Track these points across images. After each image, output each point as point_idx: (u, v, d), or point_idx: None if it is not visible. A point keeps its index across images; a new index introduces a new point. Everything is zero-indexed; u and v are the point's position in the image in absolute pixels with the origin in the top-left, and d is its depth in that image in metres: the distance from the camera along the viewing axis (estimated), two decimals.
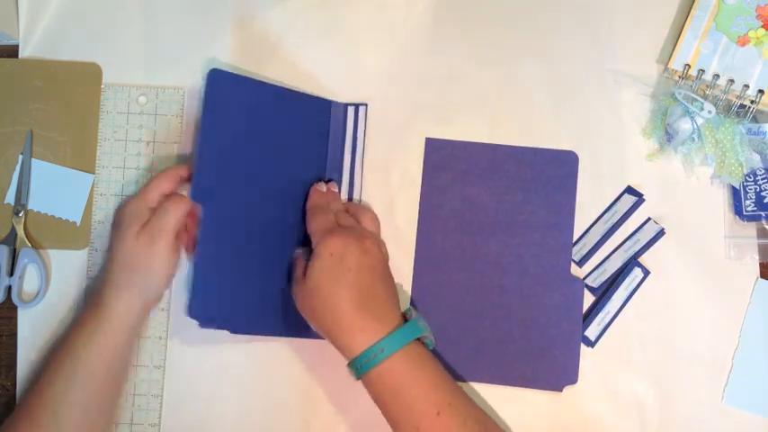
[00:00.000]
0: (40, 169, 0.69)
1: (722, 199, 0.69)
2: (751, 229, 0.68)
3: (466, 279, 0.67)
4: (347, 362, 0.58)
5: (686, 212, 0.68)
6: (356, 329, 0.57)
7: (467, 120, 0.70)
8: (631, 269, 0.67)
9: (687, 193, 0.69)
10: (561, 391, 0.66)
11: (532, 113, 0.70)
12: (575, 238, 0.68)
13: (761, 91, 0.66)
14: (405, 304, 0.67)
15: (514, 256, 0.68)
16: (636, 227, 0.68)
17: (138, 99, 0.70)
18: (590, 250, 0.68)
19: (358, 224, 0.64)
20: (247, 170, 0.65)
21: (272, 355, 0.67)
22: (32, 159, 0.69)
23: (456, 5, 0.71)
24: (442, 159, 0.69)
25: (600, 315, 0.67)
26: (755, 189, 0.67)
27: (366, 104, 0.70)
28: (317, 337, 0.64)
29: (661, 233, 0.68)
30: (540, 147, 0.69)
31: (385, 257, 0.63)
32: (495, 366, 0.66)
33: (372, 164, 0.69)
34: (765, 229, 0.67)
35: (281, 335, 0.66)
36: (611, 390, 0.66)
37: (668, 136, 0.68)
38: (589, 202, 0.69)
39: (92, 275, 0.68)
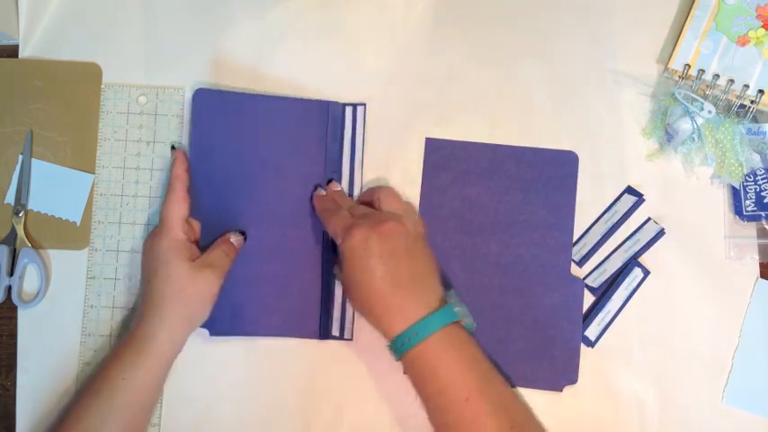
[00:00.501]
0: (40, 169, 0.69)
1: (722, 199, 0.69)
2: (751, 229, 0.68)
3: (466, 279, 0.67)
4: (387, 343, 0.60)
5: (686, 212, 0.68)
6: (392, 314, 0.59)
7: (467, 120, 0.70)
8: (631, 269, 0.67)
9: (687, 193, 0.69)
10: (561, 391, 0.66)
11: (532, 113, 0.70)
12: (575, 238, 0.68)
13: (761, 91, 0.66)
14: None
15: (514, 256, 0.68)
16: (636, 227, 0.68)
17: (138, 99, 0.70)
18: (590, 250, 0.68)
19: (374, 211, 0.64)
20: (241, 181, 0.67)
21: (272, 355, 0.67)
22: (32, 159, 0.69)
23: (456, 5, 0.71)
24: (442, 159, 0.69)
25: (600, 315, 0.67)
26: (755, 189, 0.67)
27: (365, 104, 0.70)
28: (315, 336, 0.65)
29: (661, 233, 0.68)
30: (540, 147, 0.69)
31: (412, 233, 0.62)
32: (496, 366, 0.66)
33: (372, 164, 0.69)
34: (765, 229, 0.67)
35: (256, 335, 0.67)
36: (611, 390, 0.66)
37: (668, 136, 0.68)
38: (589, 202, 0.69)
39: (92, 275, 0.68)
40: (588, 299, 0.68)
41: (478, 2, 0.71)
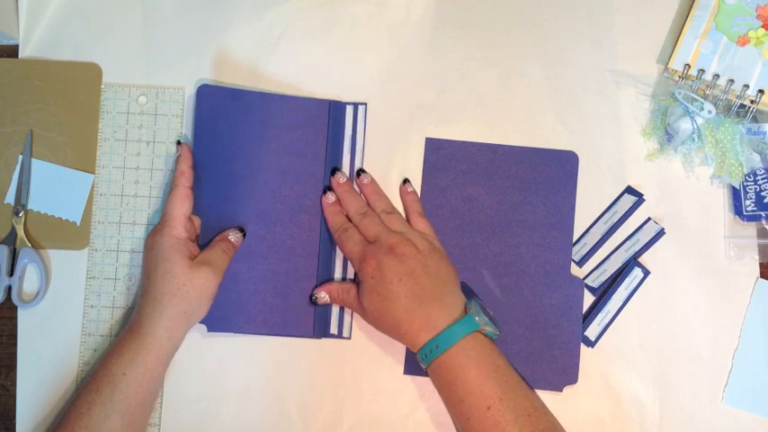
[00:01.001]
0: (40, 169, 0.69)
1: (722, 199, 0.69)
2: (751, 229, 0.68)
3: (466, 279, 0.67)
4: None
5: (686, 212, 0.68)
6: (415, 330, 0.60)
7: (467, 120, 0.70)
8: (631, 269, 0.67)
9: (687, 193, 0.69)
10: (561, 391, 0.66)
11: (532, 113, 0.70)
12: (575, 238, 0.68)
13: (761, 91, 0.66)
14: None
15: (514, 256, 0.68)
16: (636, 227, 0.68)
17: (138, 99, 0.70)
18: (590, 250, 0.68)
19: (383, 227, 0.65)
20: (242, 177, 0.67)
21: (272, 354, 0.67)
22: (32, 159, 0.69)
23: (456, 6, 0.71)
24: (442, 159, 0.69)
25: (600, 315, 0.67)
26: (755, 189, 0.67)
27: (365, 104, 0.70)
28: (310, 335, 0.66)
29: (661, 233, 0.68)
30: (540, 147, 0.69)
31: (425, 247, 0.63)
32: None
33: (372, 164, 0.69)
34: (765, 229, 0.67)
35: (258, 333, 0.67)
36: (611, 390, 0.66)
37: (668, 136, 0.68)
38: (589, 202, 0.69)
39: (92, 275, 0.68)
40: (588, 299, 0.68)
41: (478, 2, 0.71)
